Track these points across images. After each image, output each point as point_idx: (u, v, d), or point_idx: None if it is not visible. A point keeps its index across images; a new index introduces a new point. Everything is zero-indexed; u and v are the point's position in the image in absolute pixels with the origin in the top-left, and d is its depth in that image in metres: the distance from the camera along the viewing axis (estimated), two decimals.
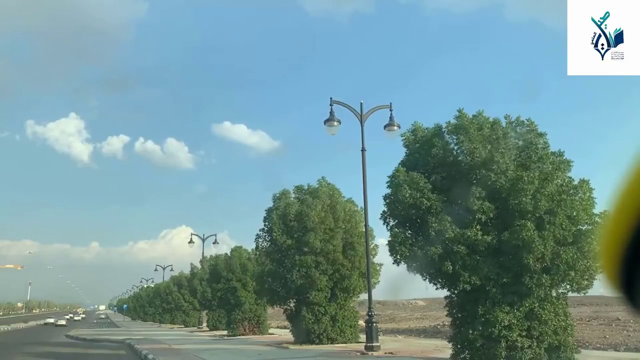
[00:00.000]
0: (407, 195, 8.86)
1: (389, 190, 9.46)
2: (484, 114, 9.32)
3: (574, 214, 8.40)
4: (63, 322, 55.56)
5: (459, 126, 9.21)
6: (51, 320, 56.07)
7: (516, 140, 9.20)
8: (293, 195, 16.98)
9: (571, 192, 8.63)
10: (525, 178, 8.39)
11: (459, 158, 9.12)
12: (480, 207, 8.57)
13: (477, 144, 8.79)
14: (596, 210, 8.58)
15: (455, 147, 9.23)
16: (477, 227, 8.62)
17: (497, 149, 8.82)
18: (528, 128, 9.19)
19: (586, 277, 8.41)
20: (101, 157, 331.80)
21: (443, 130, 9.52)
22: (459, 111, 9.30)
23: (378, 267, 16.07)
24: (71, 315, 77.28)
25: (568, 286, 8.76)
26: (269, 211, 16.58)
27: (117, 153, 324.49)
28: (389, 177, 9.50)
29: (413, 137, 9.86)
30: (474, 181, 8.92)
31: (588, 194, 8.62)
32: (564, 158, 9.01)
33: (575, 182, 8.80)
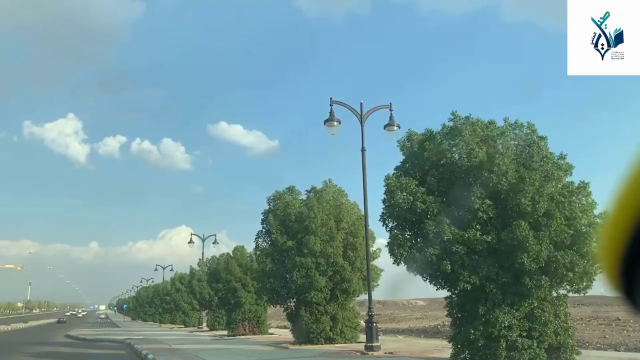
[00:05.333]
0: (400, 200, 8.97)
1: (385, 195, 9.54)
2: (472, 117, 9.40)
3: (573, 215, 8.41)
4: (80, 315, 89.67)
5: (453, 128, 9.32)
6: (73, 313, 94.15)
7: (514, 142, 9.24)
8: (290, 197, 16.98)
9: (573, 195, 8.62)
10: (527, 179, 8.41)
11: (455, 160, 9.19)
12: (481, 205, 8.59)
13: (473, 144, 8.85)
14: (596, 212, 8.58)
15: (451, 149, 9.29)
16: (477, 227, 8.64)
17: (495, 149, 8.86)
18: (528, 130, 9.23)
19: (585, 279, 8.42)
20: (98, 157, 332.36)
21: (435, 133, 9.65)
22: (453, 114, 9.47)
23: (379, 272, 16.08)
24: (73, 313, 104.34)
25: (567, 287, 8.77)
26: (266, 213, 16.59)
27: (114, 153, 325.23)
28: (384, 182, 9.59)
29: (408, 143, 10.01)
30: (472, 181, 8.94)
31: (588, 197, 8.63)
32: (566, 162, 9.00)
33: (576, 184, 8.80)
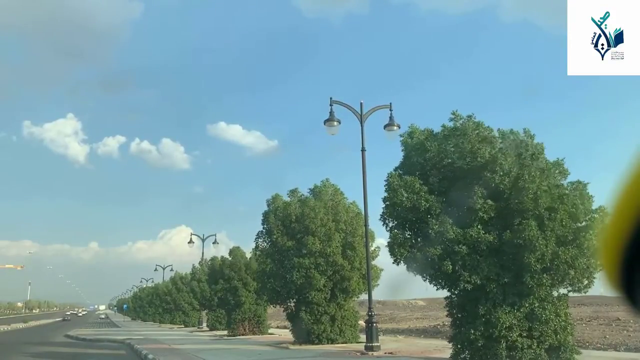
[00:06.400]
0: (404, 198, 8.93)
1: (387, 193, 9.50)
2: (474, 117, 9.38)
3: (575, 210, 8.44)
4: (80, 315, 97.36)
5: (455, 128, 9.29)
6: (73, 312, 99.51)
7: (512, 142, 9.28)
8: (288, 198, 16.97)
9: (574, 191, 8.68)
10: (527, 176, 8.41)
11: (456, 160, 9.16)
12: (483, 205, 8.59)
13: (477, 144, 8.84)
14: (594, 207, 8.66)
15: (452, 149, 9.24)
16: (479, 226, 8.64)
17: (497, 149, 8.87)
18: (524, 135, 9.28)
19: (586, 275, 8.44)
20: (98, 157, 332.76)
21: (437, 133, 9.59)
22: (454, 113, 9.40)
23: (379, 271, 16.07)
24: (74, 312, 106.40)
25: (569, 286, 8.78)
26: (267, 213, 16.59)
27: (113, 154, 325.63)
28: (385, 180, 9.55)
29: (410, 139, 9.90)
30: (474, 182, 8.93)
31: (584, 192, 8.69)
32: (563, 167, 9.05)
33: (574, 182, 8.88)
